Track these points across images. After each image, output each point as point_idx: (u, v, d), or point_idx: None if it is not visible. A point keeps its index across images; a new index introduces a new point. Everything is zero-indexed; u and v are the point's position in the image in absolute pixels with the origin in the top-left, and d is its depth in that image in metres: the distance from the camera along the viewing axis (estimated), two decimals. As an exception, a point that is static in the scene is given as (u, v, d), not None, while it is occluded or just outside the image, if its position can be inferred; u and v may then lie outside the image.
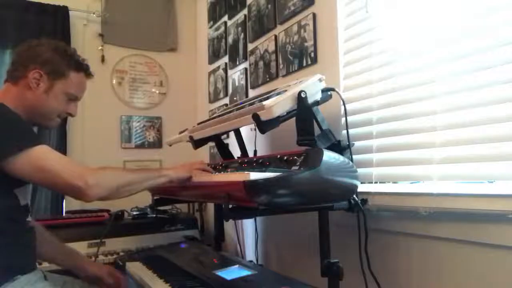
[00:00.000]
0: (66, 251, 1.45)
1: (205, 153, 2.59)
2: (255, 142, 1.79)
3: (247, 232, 2.08)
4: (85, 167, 1.09)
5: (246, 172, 0.90)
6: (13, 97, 1.18)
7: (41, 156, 1.04)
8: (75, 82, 1.25)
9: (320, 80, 1.19)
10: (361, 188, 1.25)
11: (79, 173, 1.04)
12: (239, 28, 2.27)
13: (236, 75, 2.30)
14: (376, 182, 1.34)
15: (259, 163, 1.16)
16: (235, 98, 2.31)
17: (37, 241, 1.25)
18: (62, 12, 2.55)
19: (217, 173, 1.27)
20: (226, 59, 2.46)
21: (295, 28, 1.75)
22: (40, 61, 1.20)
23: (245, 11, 2.21)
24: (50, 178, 1.04)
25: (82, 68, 1.28)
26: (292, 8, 1.77)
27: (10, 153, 1.01)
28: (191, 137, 1.57)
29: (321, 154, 1.00)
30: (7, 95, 1.19)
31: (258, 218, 1.95)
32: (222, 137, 1.87)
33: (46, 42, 1.25)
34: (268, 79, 1.95)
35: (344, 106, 1.29)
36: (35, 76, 1.18)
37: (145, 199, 2.06)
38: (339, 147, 1.21)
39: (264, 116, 1.06)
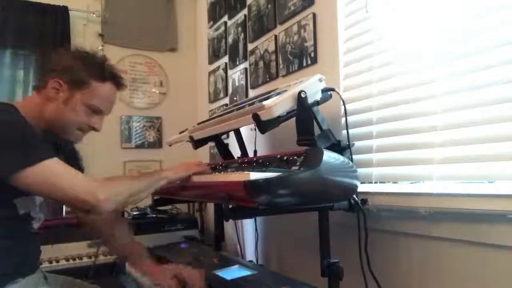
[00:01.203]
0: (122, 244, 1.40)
1: (205, 153, 2.59)
2: (255, 142, 1.79)
3: (247, 232, 2.08)
4: (93, 180, 1.06)
5: (246, 172, 0.90)
6: (34, 106, 1.12)
7: (50, 172, 1.00)
8: (98, 93, 1.16)
9: (320, 80, 1.19)
10: (361, 188, 1.25)
11: (89, 189, 1.01)
12: (239, 28, 2.27)
13: (236, 75, 2.30)
14: (376, 182, 1.34)
15: (259, 163, 1.16)
16: (235, 98, 2.31)
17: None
18: (62, 12, 2.55)
19: (217, 173, 1.27)
20: (226, 59, 2.46)
21: (295, 28, 1.75)
22: (61, 69, 1.13)
23: (245, 11, 2.21)
24: (59, 194, 1.01)
25: (109, 78, 1.18)
26: (292, 8, 1.77)
27: (18, 167, 0.96)
28: (191, 137, 1.57)
29: (321, 154, 1.00)
30: (29, 103, 1.14)
31: (258, 218, 1.95)
32: (222, 137, 1.87)
33: (74, 49, 1.19)
34: (268, 79, 1.95)
35: (344, 106, 1.29)
36: (54, 86, 1.12)
37: (145, 199, 2.06)
38: (339, 147, 1.21)
39: (264, 116, 1.06)
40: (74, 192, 1.00)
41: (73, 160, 1.24)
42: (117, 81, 1.21)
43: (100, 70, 1.16)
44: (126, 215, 2.32)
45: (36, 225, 1.20)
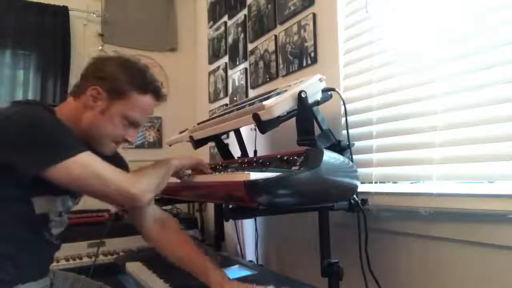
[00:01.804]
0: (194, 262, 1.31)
1: (205, 153, 2.59)
2: (255, 142, 1.79)
3: (247, 232, 2.08)
4: (129, 173, 1.06)
5: (246, 172, 0.90)
6: (69, 112, 1.08)
7: (90, 164, 0.97)
8: (137, 105, 1.10)
9: (320, 80, 1.19)
10: (361, 188, 1.25)
11: (131, 181, 1.01)
12: (239, 28, 2.27)
13: (236, 75, 2.30)
14: (376, 182, 1.34)
15: (259, 163, 1.16)
16: (235, 98, 2.31)
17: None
18: (62, 12, 2.55)
19: (217, 173, 1.27)
20: (226, 59, 2.46)
21: (295, 28, 1.75)
22: (101, 77, 1.07)
23: (245, 11, 2.21)
24: (101, 186, 0.98)
25: (149, 89, 1.12)
26: (292, 8, 1.77)
27: (56, 160, 0.93)
28: (191, 137, 1.57)
29: (321, 154, 1.00)
30: (64, 108, 1.10)
31: (258, 218, 1.95)
32: (222, 137, 1.87)
33: (115, 57, 1.15)
34: (268, 79, 1.95)
35: (344, 106, 1.29)
36: (92, 93, 1.06)
37: (145, 199, 2.06)
38: (339, 147, 1.21)
39: (264, 116, 1.06)
40: (117, 184, 0.99)
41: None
42: (158, 93, 1.15)
43: (142, 81, 1.11)
44: (126, 215, 2.32)
45: (57, 230, 1.14)
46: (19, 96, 2.43)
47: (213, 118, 1.54)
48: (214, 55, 2.64)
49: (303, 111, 1.10)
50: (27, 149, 0.94)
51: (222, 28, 2.51)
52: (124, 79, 1.07)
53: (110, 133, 1.09)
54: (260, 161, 1.17)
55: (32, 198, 1.04)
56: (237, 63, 2.29)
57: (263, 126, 1.07)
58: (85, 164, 0.97)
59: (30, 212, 1.04)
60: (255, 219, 1.95)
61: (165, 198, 1.74)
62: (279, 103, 1.06)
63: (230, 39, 2.40)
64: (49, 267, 1.19)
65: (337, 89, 1.28)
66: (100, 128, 1.08)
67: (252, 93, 2.12)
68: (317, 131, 1.16)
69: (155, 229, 1.37)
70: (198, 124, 1.65)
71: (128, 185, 1.00)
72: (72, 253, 2.00)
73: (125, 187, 0.99)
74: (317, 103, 1.21)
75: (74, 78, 2.54)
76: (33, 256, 1.09)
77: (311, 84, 1.15)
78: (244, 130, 1.78)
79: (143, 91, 1.10)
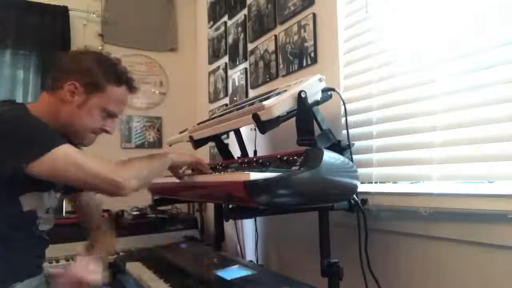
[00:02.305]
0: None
1: (205, 153, 2.59)
2: (255, 142, 1.79)
3: (247, 232, 2.08)
4: (115, 162, 1.06)
5: (246, 172, 0.90)
6: (46, 108, 1.11)
7: (71, 155, 0.99)
8: (113, 97, 1.14)
9: (320, 80, 1.19)
10: (361, 188, 1.25)
11: (114, 169, 1.02)
12: (239, 28, 2.27)
13: (236, 75, 2.30)
14: (376, 182, 1.34)
15: (259, 163, 1.16)
16: (235, 98, 2.31)
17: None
18: (62, 12, 2.55)
19: (217, 173, 1.27)
20: (226, 59, 2.46)
21: (295, 28, 1.75)
22: (77, 72, 1.10)
23: (245, 11, 2.21)
24: (85, 175, 1.00)
25: (124, 81, 1.16)
26: (292, 8, 1.77)
27: (38, 154, 0.95)
28: (191, 137, 1.57)
29: (321, 154, 1.00)
30: (40, 105, 1.12)
31: (258, 218, 1.95)
32: (222, 137, 1.87)
33: (88, 51, 1.17)
34: (268, 79, 1.95)
35: (344, 106, 1.29)
36: (70, 88, 1.09)
37: (145, 199, 2.06)
38: (339, 147, 1.21)
39: (264, 116, 1.06)
40: (100, 172, 1.00)
41: None
42: (131, 85, 1.19)
43: (117, 74, 1.15)
44: (126, 214, 2.33)
45: (44, 227, 1.16)
46: (19, 96, 2.43)
47: (213, 118, 1.54)
48: (214, 55, 2.64)
49: (303, 111, 1.10)
50: (8, 147, 0.97)
51: (222, 28, 2.51)
52: (100, 73, 1.11)
53: (89, 125, 1.13)
54: (260, 161, 1.17)
55: (19, 197, 1.06)
56: (237, 63, 2.29)
57: (263, 126, 1.07)
58: (66, 155, 0.99)
59: (18, 211, 1.07)
60: (255, 219, 1.95)
61: (165, 198, 1.74)
62: (279, 103, 1.06)
63: (230, 39, 2.40)
64: (42, 265, 1.21)
65: (337, 89, 1.28)
66: (79, 122, 1.11)
67: (252, 93, 2.12)
68: (317, 131, 1.16)
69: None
70: (198, 124, 1.65)
71: (110, 172, 1.01)
72: (72, 253, 1.99)
73: (107, 174, 1.00)
74: (317, 103, 1.21)
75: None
76: (26, 254, 1.11)
77: (311, 84, 1.15)
78: (244, 130, 1.78)
79: (118, 84, 1.14)
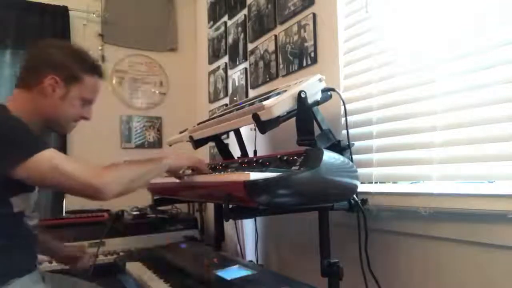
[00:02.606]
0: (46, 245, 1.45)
1: (205, 153, 2.59)
2: (255, 142, 1.79)
3: (247, 232, 2.08)
4: (97, 166, 1.08)
5: (246, 172, 0.90)
6: (26, 104, 1.13)
7: (53, 159, 1.02)
8: (90, 86, 1.21)
9: (320, 80, 1.19)
10: (361, 188, 1.25)
11: (94, 173, 1.04)
12: (239, 28, 2.27)
13: (236, 75, 2.30)
14: (376, 182, 1.34)
15: (259, 163, 1.16)
16: (235, 98, 2.31)
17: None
18: (62, 12, 2.55)
19: (217, 173, 1.27)
20: (226, 59, 2.46)
21: (295, 28, 1.75)
22: (55, 66, 1.15)
23: (245, 11, 2.21)
24: (65, 179, 1.02)
25: (96, 70, 1.24)
26: (292, 8, 1.77)
27: (21, 159, 0.98)
28: (191, 137, 1.57)
29: (321, 154, 1.00)
30: (19, 102, 1.14)
31: (258, 218, 1.95)
32: (222, 137, 1.87)
33: (57, 44, 1.21)
34: (268, 79, 1.95)
35: (344, 106, 1.29)
36: (50, 83, 1.13)
37: (145, 199, 2.06)
38: (339, 147, 1.21)
39: (264, 116, 1.06)
40: (80, 176, 1.02)
41: None
42: (101, 72, 1.27)
43: (89, 64, 1.22)
44: (126, 215, 2.33)
45: (31, 222, 1.21)
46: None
47: (213, 118, 1.54)
48: (214, 55, 2.64)
49: (303, 111, 1.10)
50: None
51: (222, 28, 2.51)
52: (76, 65, 1.18)
53: (72, 115, 1.20)
54: (260, 161, 1.17)
55: (10, 199, 1.09)
56: (237, 63, 2.29)
57: (263, 126, 1.07)
58: (48, 160, 1.02)
59: (9, 212, 1.09)
60: (255, 219, 1.95)
61: (165, 198, 1.74)
62: (279, 103, 1.06)
63: (230, 39, 2.40)
64: (37, 261, 1.24)
65: (337, 89, 1.28)
66: (62, 112, 1.18)
67: (252, 93, 2.12)
68: (317, 131, 1.16)
69: None
70: (198, 124, 1.65)
71: (89, 177, 1.03)
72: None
73: (86, 179, 1.02)
74: (317, 103, 1.21)
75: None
76: (21, 250, 1.14)
77: (311, 84, 1.15)
78: (244, 130, 1.78)
79: (92, 73, 1.22)
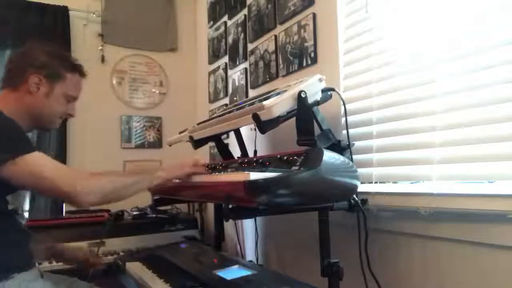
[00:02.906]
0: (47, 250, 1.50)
1: (205, 153, 2.59)
2: (255, 142, 1.79)
3: (247, 232, 2.08)
4: (79, 173, 1.12)
5: (246, 172, 0.90)
6: (13, 103, 1.19)
7: (36, 163, 1.06)
8: (72, 83, 1.28)
9: (320, 80, 1.19)
10: (361, 188, 1.25)
11: (72, 180, 1.07)
12: (239, 28, 2.27)
13: (236, 75, 2.30)
14: (376, 182, 1.34)
15: (259, 163, 1.16)
16: (235, 98, 2.31)
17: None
18: (62, 12, 2.55)
19: (217, 173, 1.27)
20: (226, 59, 2.46)
21: (295, 28, 1.75)
22: (38, 66, 1.21)
23: (245, 11, 2.21)
24: (44, 184, 1.06)
25: (77, 69, 1.31)
26: (292, 8, 1.77)
27: (4, 160, 1.02)
28: (191, 137, 1.57)
29: (321, 154, 1.00)
30: (7, 102, 1.19)
31: (258, 218, 1.95)
32: (222, 137, 1.87)
33: (38, 47, 1.26)
34: (268, 79, 1.95)
35: (344, 106, 1.29)
36: (35, 81, 1.20)
37: (145, 199, 2.06)
38: (339, 147, 1.21)
39: (264, 116, 1.06)
40: (58, 183, 1.06)
41: None
42: (82, 70, 1.33)
43: (70, 63, 1.29)
44: (126, 215, 2.33)
45: (22, 220, 1.25)
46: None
47: (213, 118, 1.54)
48: (214, 55, 2.64)
49: (303, 111, 1.10)
50: None
51: (222, 28, 2.51)
52: (57, 64, 1.25)
53: (58, 111, 1.27)
54: (260, 161, 1.17)
55: (6, 196, 1.15)
56: (237, 63, 2.29)
57: (263, 126, 1.07)
58: (32, 162, 1.06)
59: (5, 209, 1.15)
60: (255, 219, 1.95)
61: (165, 198, 1.74)
62: (279, 103, 1.06)
63: (230, 39, 2.40)
64: (35, 260, 1.27)
65: (337, 89, 1.28)
66: (48, 109, 1.24)
67: (252, 93, 2.12)
68: (317, 131, 1.16)
69: None
70: (198, 124, 1.65)
71: (67, 184, 1.06)
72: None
73: (64, 186, 1.06)
74: (317, 103, 1.21)
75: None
76: (19, 247, 1.18)
77: (311, 84, 1.15)
78: (244, 130, 1.78)
79: (73, 71, 1.29)
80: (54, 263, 1.87)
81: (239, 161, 1.32)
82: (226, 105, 2.40)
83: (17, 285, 1.11)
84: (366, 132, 1.37)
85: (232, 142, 1.97)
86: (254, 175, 0.89)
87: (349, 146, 1.24)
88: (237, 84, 2.30)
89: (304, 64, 1.69)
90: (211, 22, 2.69)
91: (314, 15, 1.64)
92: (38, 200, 2.33)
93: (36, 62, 1.22)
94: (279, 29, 1.87)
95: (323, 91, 1.21)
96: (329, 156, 1.02)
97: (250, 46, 2.14)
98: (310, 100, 1.13)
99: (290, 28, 1.78)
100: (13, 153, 1.03)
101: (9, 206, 1.17)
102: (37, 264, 1.27)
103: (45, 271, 1.32)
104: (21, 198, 1.24)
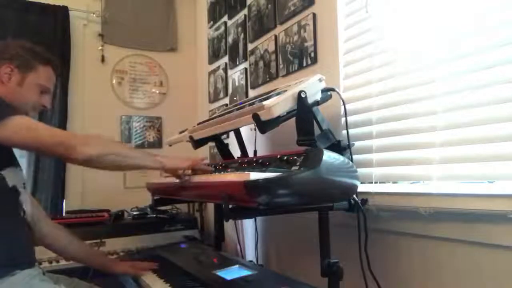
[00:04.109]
0: (93, 252, 1.59)
1: (205, 153, 2.59)
2: (255, 142, 1.79)
3: (247, 232, 2.08)
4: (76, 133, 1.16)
5: (246, 172, 0.90)
6: None
7: (28, 120, 1.09)
8: (44, 75, 1.31)
9: (320, 80, 1.19)
10: (361, 188, 1.25)
11: (66, 133, 1.12)
12: (239, 28, 2.27)
13: (236, 75, 2.30)
14: (376, 182, 1.34)
15: (259, 163, 1.16)
16: (235, 98, 2.31)
17: (58, 242, 1.38)
18: (62, 12, 2.55)
19: (217, 173, 1.27)
20: (226, 59, 2.46)
21: (295, 28, 1.75)
22: (9, 57, 1.25)
23: (245, 11, 2.21)
24: (38, 136, 1.07)
25: (50, 62, 1.34)
26: (292, 8, 1.77)
27: (3, 116, 1.04)
28: (191, 137, 1.57)
29: (321, 154, 1.00)
30: None
31: (258, 218, 1.95)
32: (222, 137, 1.87)
33: (13, 41, 1.31)
34: (268, 79, 1.95)
35: (344, 106, 1.29)
36: (6, 71, 1.24)
37: (145, 199, 2.06)
38: (339, 147, 1.21)
39: (264, 116, 1.06)
40: (50, 134, 1.08)
41: None
42: (55, 64, 1.37)
43: (42, 55, 1.32)
44: (126, 215, 2.33)
45: (27, 206, 1.26)
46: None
47: (213, 118, 1.54)
48: (214, 55, 2.64)
49: (303, 111, 1.10)
50: None
51: (222, 28, 2.51)
52: (29, 56, 1.29)
53: (29, 100, 1.28)
54: (260, 161, 1.17)
55: (1, 171, 1.16)
56: (237, 63, 2.29)
57: (263, 126, 1.07)
58: (21, 121, 1.08)
59: (5, 186, 1.16)
60: (255, 219, 1.95)
61: (165, 198, 1.74)
62: (279, 103, 1.06)
63: (230, 39, 2.40)
64: (36, 259, 1.29)
65: (337, 89, 1.28)
66: (20, 98, 1.25)
67: (252, 93, 2.12)
68: (317, 131, 1.16)
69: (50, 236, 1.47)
70: (198, 124, 1.65)
71: (60, 135, 1.09)
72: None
73: (57, 137, 1.07)
74: (317, 103, 1.21)
75: (74, 77, 2.55)
76: (21, 242, 1.20)
77: (311, 84, 1.15)
78: (244, 130, 1.78)
79: (45, 63, 1.32)
80: (54, 263, 1.88)
81: (239, 161, 1.32)
82: (226, 105, 2.40)
83: (20, 281, 1.11)
84: (366, 132, 1.37)
85: (232, 142, 1.97)
86: (254, 175, 0.89)
87: (349, 146, 1.24)
88: (237, 84, 2.30)
89: (304, 64, 1.69)
90: (211, 22, 2.69)
91: (314, 15, 1.64)
92: (38, 197, 2.34)
93: (9, 54, 1.26)
94: (279, 29, 1.87)
95: (323, 91, 1.22)
96: (329, 156, 1.02)
97: (250, 46, 2.14)
98: (310, 100, 1.13)
99: (290, 28, 1.78)
100: (3, 114, 1.06)
101: (9, 182, 1.18)
102: (37, 263, 1.27)
103: (46, 271, 1.32)
104: (17, 174, 1.25)
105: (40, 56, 1.31)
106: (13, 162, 1.24)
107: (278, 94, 1.17)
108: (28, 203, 1.29)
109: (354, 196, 1.20)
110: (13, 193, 1.21)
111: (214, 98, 2.63)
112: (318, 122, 1.20)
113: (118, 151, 1.15)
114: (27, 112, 1.28)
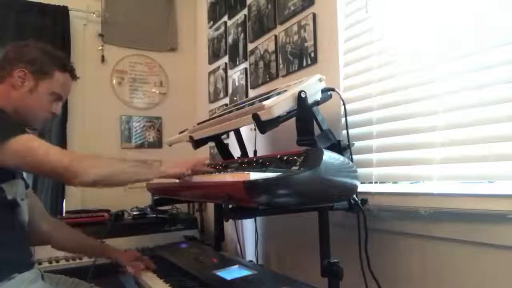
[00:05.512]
0: (93, 242, 1.57)
1: (205, 153, 2.59)
2: (255, 142, 1.79)
3: (247, 232, 2.08)
4: (72, 152, 1.12)
5: (246, 172, 0.90)
6: (1, 96, 1.19)
7: (30, 142, 1.05)
8: (60, 82, 1.26)
9: (320, 80, 1.19)
10: (361, 188, 1.25)
11: (71, 157, 1.06)
12: (239, 28, 2.27)
13: (236, 75, 2.30)
14: (376, 182, 1.34)
15: (259, 163, 1.16)
16: (235, 98, 2.31)
17: (60, 238, 1.37)
18: (62, 12, 2.55)
19: (217, 173, 1.27)
20: (226, 59, 2.46)
21: (295, 28, 1.75)
22: (26, 60, 1.20)
23: (245, 11, 2.21)
24: (41, 161, 1.04)
25: (67, 68, 1.29)
26: (292, 8, 1.77)
27: (6, 137, 1.02)
28: (191, 137, 1.57)
29: (321, 154, 1.00)
30: None
31: (258, 218, 1.95)
32: (222, 137, 1.87)
33: (33, 43, 1.26)
34: (268, 79, 1.95)
35: (344, 106, 1.29)
36: (20, 75, 1.19)
37: (145, 199, 2.06)
38: (339, 147, 1.21)
39: (264, 116, 1.06)
40: (56, 158, 1.04)
41: None
42: (73, 72, 1.32)
43: (61, 61, 1.28)
44: (126, 215, 2.33)
45: (24, 217, 1.22)
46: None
47: (213, 118, 1.54)
48: (214, 55, 2.64)
49: (303, 111, 1.10)
50: None
51: (222, 28, 2.51)
52: (46, 61, 1.23)
53: (39, 108, 1.23)
54: (260, 161, 1.17)
55: (2, 184, 1.13)
56: (237, 63, 2.29)
57: (263, 126, 1.07)
58: (26, 142, 1.04)
59: (3, 198, 1.13)
60: (255, 219, 1.95)
61: (165, 198, 1.74)
62: (279, 103, 1.06)
63: (230, 39, 2.40)
64: (34, 261, 1.27)
65: (337, 89, 1.28)
66: (30, 105, 1.21)
67: (252, 93, 2.12)
68: (317, 131, 1.16)
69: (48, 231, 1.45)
70: (198, 124, 1.65)
71: (66, 160, 1.04)
72: (72, 254, 1.99)
73: (63, 161, 1.04)
74: (317, 103, 1.21)
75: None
76: (20, 246, 1.18)
77: (311, 84, 1.15)
78: (244, 130, 1.78)
79: (63, 70, 1.27)
80: (54, 263, 1.88)
81: (239, 161, 1.32)
82: (226, 105, 2.40)
83: (18, 285, 1.10)
84: (366, 132, 1.37)
85: (232, 142, 1.97)
86: (254, 175, 0.89)
87: (349, 146, 1.24)
88: (237, 84, 2.29)
89: (304, 64, 1.69)
90: (211, 22, 2.69)
91: (314, 15, 1.64)
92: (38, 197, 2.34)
93: (26, 57, 1.21)
94: (279, 29, 1.87)
95: (323, 91, 1.21)
96: (329, 156, 1.02)
97: (250, 46, 2.14)
98: (310, 100, 1.13)
99: (290, 28, 1.78)
100: (6, 135, 1.02)
101: (8, 195, 1.14)
102: (36, 264, 1.26)
103: (45, 271, 1.32)
104: (19, 186, 1.21)
105: (57, 61, 1.26)
106: (14, 175, 1.19)
107: (278, 94, 1.17)
108: (24, 214, 1.24)
109: (354, 196, 1.20)
110: (12, 205, 1.17)
111: (214, 98, 2.63)
112: (318, 122, 1.20)
113: (119, 170, 1.13)
114: (36, 121, 1.25)
